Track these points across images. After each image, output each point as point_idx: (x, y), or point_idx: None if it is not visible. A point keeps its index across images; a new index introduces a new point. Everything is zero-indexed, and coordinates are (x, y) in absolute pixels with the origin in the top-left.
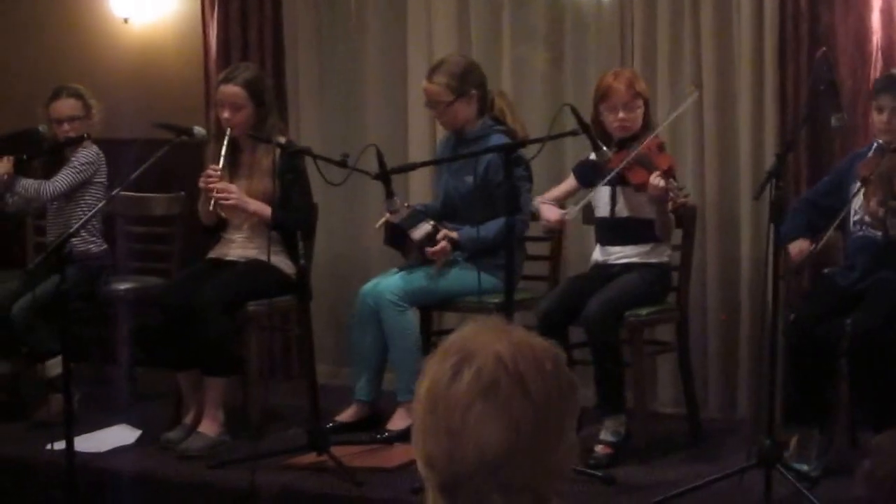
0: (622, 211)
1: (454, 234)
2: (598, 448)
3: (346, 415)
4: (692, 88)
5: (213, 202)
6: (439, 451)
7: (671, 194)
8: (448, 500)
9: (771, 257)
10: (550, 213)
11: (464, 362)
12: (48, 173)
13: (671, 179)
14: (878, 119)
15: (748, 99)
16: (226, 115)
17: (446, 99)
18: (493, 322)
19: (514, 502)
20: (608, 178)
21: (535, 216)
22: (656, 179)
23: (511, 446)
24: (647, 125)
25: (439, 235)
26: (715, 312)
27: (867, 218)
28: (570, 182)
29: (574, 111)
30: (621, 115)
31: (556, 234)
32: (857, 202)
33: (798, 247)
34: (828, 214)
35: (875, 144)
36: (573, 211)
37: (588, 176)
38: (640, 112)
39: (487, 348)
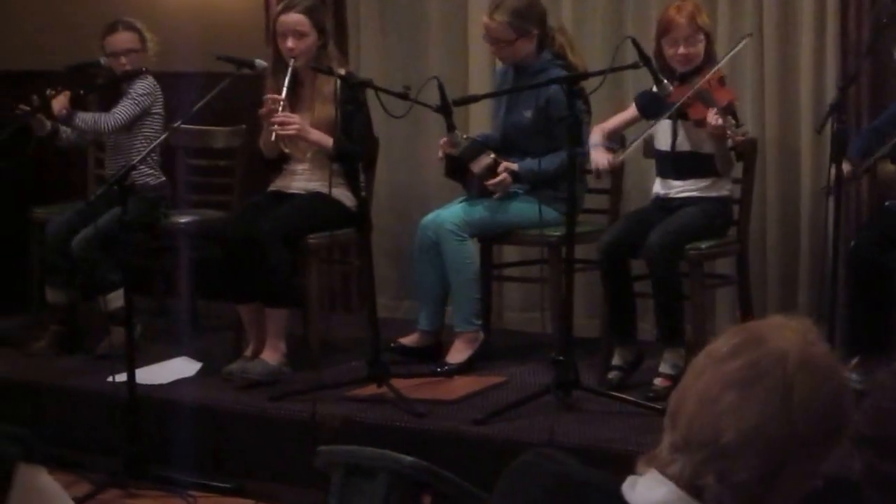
0: (683, 145)
1: (514, 166)
2: (658, 381)
3: (409, 339)
4: (746, 35)
5: (274, 132)
6: (685, 413)
7: (729, 132)
8: (671, 457)
9: (832, 190)
10: (600, 158)
11: (749, 345)
12: (104, 107)
13: (729, 117)
14: None
15: (809, 32)
16: (290, 44)
17: (507, 38)
18: (803, 326)
19: (724, 493)
20: (668, 112)
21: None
22: (713, 117)
23: (747, 442)
24: (710, 58)
25: (500, 168)
26: (775, 245)
27: None
28: (630, 112)
29: (635, 44)
30: (682, 49)
31: (604, 177)
32: None
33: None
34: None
35: None
36: (622, 157)
37: (650, 107)
38: (701, 46)
39: (778, 344)
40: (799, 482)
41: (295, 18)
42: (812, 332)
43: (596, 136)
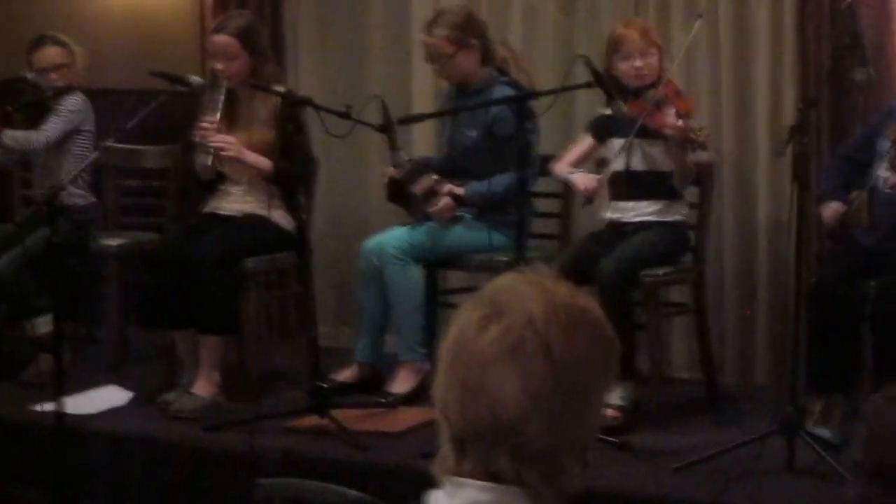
0: (638, 164)
1: (458, 190)
2: (608, 412)
3: (345, 374)
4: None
5: (210, 155)
6: (454, 404)
7: (690, 135)
8: (458, 454)
9: (794, 215)
10: (587, 181)
11: (493, 316)
12: (31, 125)
13: (689, 120)
14: None
15: (766, 52)
16: (220, 66)
17: (447, 52)
18: (537, 276)
19: (522, 469)
20: (636, 127)
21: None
22: (673, 119)
23: (526, 411)
24: (662, 75)
25: (443, 190)
26: (732, 272)
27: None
28: (586, 141)
29: (588, 62)
30: (637, 63)
31: (594, 200)
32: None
33: (831, 209)
34: (862, 168)
35: None
36: (608, 171)
37: (604, 130)
38: (654, 59)
39: (520, 305)
40: (587, 428)
41: (223, 40)
42: (547, 278)
43: (564, 167)
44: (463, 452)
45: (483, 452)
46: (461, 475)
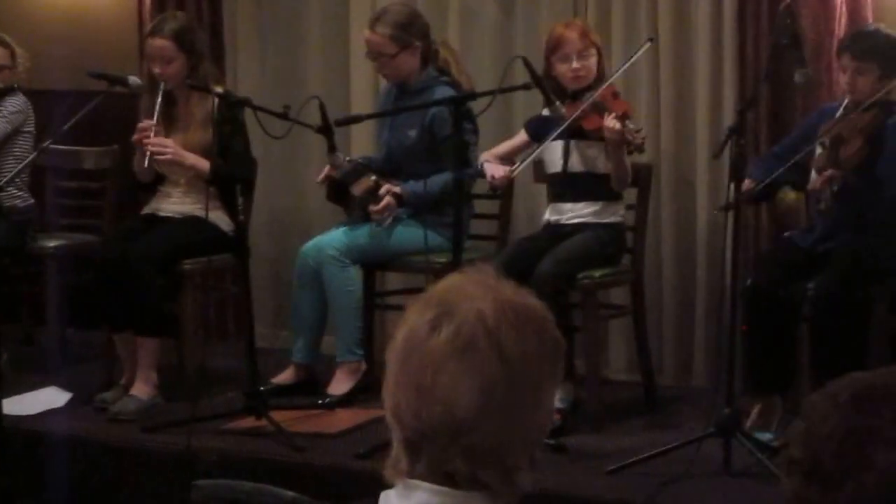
0: (575, 165)
1: (397, 189)
2: None
3: (283, 377)
4: (646, 40)
5: (148, 158)
6: (407, 406)
7: (628, 137)
8: (411, 456)
9: (731, 217)
10: (496, 170)
11: (443, 317)
12: None
13: (627, 122)
14: (841, 79)
15: (706, 52)
16: (157, 69)
17: (390, 51)
18: (482, 275)
19: (477, 468)
20: (562, 127)
21: (480, 174)
22: (611, 122)
23: (481, 410)
24: (601, 76)
25: (382, 190)
26: (670, 274)
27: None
28: (520, 137)
29: (527, 63)
30: (575, 64)
31: (500, 192)
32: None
33: (746, 183)
34: (792, 169)
35: (844, 102)
36: (519, 167)
37: (541, 131)
38: (593, 61)
39: (470, 305)
40: (538, 425)
41: (159, 44)
42: (491, 276)
43: (487, 156)
44: (417, 455)
45: (437, 453)
46: (414, 477)
